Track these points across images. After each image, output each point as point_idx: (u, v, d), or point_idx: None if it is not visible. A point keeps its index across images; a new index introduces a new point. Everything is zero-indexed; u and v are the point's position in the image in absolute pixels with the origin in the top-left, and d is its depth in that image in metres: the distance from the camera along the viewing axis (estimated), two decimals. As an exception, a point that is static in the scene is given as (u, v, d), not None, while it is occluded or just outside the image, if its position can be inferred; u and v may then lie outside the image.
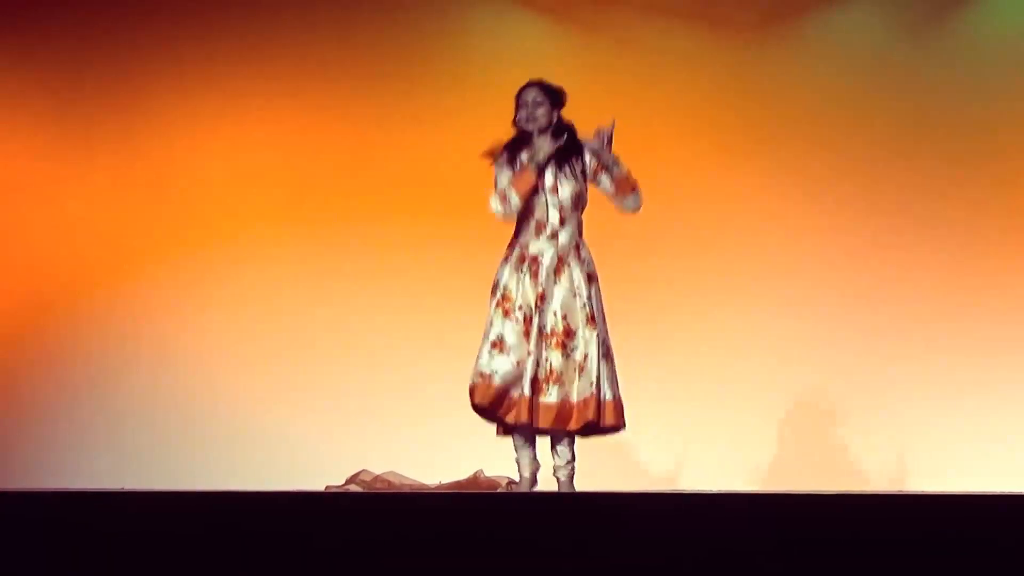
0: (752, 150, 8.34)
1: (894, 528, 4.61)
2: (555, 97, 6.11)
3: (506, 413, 5.91)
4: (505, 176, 6.07)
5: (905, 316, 8.23)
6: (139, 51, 8.48)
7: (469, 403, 5.94)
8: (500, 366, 5.90)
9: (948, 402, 8.10)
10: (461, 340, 6.40)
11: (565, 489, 5.95)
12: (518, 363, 5.90)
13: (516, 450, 6.01)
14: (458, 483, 6.52)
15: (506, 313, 5.99)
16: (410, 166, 8.37)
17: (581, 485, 6.04)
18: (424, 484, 6.55)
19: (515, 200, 5.98)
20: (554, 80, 6.14)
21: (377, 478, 6.66)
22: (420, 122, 8.40)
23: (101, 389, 8.32)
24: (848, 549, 4.53)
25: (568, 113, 6.13)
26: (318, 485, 6.58)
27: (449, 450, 6.55)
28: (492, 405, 5.91)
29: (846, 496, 5.43)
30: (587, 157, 6.07)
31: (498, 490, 6.41)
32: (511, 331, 5.96)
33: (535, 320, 5.93)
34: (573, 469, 6.00)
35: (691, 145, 8.33)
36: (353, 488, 6.57)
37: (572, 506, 5.12)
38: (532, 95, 6.11)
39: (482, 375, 5.92)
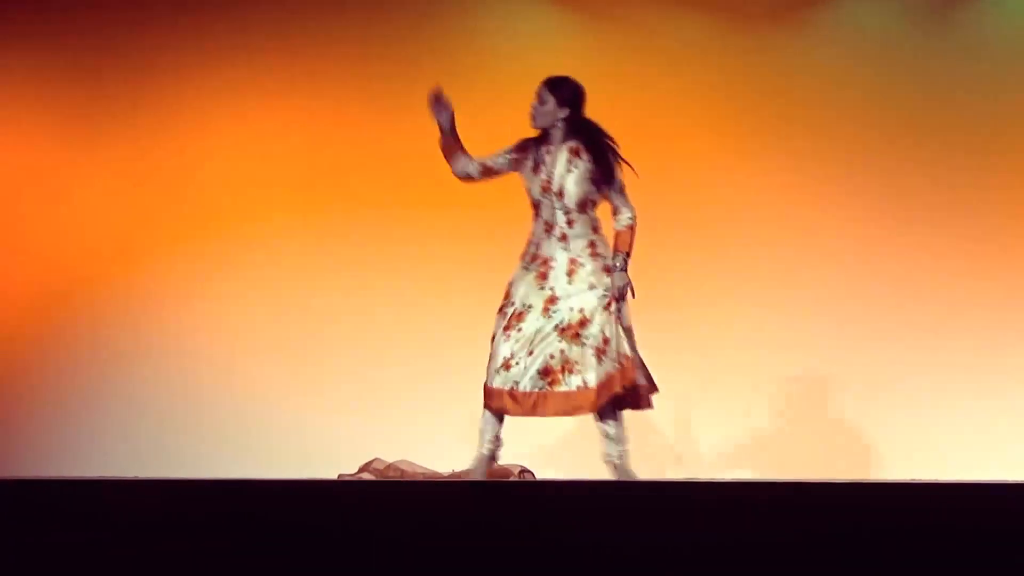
0: (765, 141, 8.33)
1: (898, 518, 4.61)
2: (561, 97, 6.00)
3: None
4: (499, 154, 6.09)
5: (917, 309, 8.21)
6: (146, 46, 8.48)
7: (481, 394, 5.99)
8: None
9: (953, 396, 8.10)
10: (473, 329, 6.41)
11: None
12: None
13: (484, 424, 6.03)
14: (470, 471, 6.52)
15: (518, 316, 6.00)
16: (424, 159, 8.35)
17: (594, 474, 6.04)
18: (436, 472, 6.56)
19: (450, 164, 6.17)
20: (567, 71, 6.08)
21: (390, 466, 6.66)
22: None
23: (114, 379, 8.34)
24: (853, 538, 4.53)
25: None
26: (331, 474, 6.60)
27: (461, 438, 6.55)
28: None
29: (854, 485, 5.43)
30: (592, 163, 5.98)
31: (510, 478, 6.42)
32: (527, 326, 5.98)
33: (543, 318, 5.94)
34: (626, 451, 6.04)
35: (704, 136, 8.31)
36: (366, 476, 6.58)
37: (586, 494, 5.12)
38: (539, 90, 6.05)
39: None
